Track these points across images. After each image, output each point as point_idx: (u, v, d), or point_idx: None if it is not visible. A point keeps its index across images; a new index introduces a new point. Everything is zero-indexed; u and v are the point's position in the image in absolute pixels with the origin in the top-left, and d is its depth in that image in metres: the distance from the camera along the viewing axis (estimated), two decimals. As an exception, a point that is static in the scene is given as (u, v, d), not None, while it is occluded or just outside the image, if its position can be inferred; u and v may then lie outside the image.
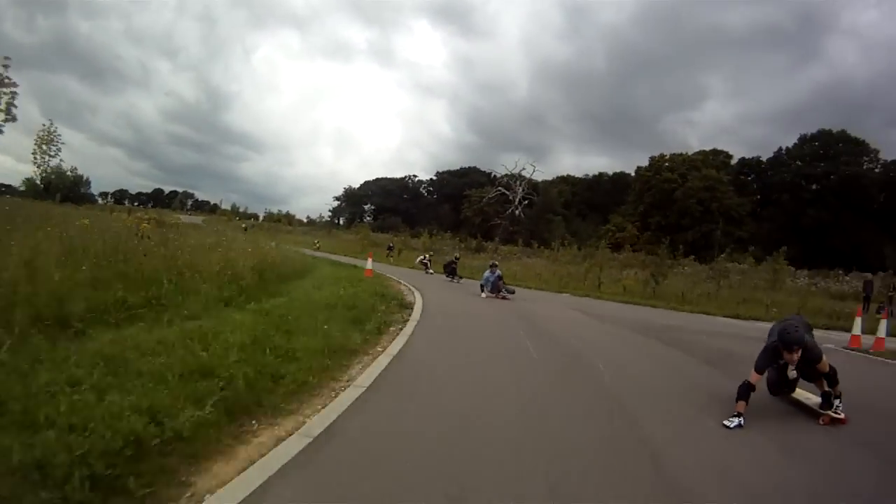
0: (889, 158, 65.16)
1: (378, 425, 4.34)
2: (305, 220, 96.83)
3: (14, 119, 10.22)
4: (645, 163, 76.61)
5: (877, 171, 65.05)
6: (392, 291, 15.12)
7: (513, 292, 18.27)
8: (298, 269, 16.78)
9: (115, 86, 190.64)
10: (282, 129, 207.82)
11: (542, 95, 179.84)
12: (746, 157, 74.29)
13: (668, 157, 70.38)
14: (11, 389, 3.48)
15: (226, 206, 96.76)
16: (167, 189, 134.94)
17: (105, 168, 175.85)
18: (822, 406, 6.00)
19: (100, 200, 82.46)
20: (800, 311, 15.56)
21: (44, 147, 19.36)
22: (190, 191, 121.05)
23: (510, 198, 66.28)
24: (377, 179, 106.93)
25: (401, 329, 9.28)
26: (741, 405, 5.63)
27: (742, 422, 5.45)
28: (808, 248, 54.50)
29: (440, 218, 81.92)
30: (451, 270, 24.37)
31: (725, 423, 5.44)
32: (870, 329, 13.39)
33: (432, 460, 3.68)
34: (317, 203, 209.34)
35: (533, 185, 69.11)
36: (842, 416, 5.79)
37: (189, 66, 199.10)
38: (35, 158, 19.38)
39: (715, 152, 74.43)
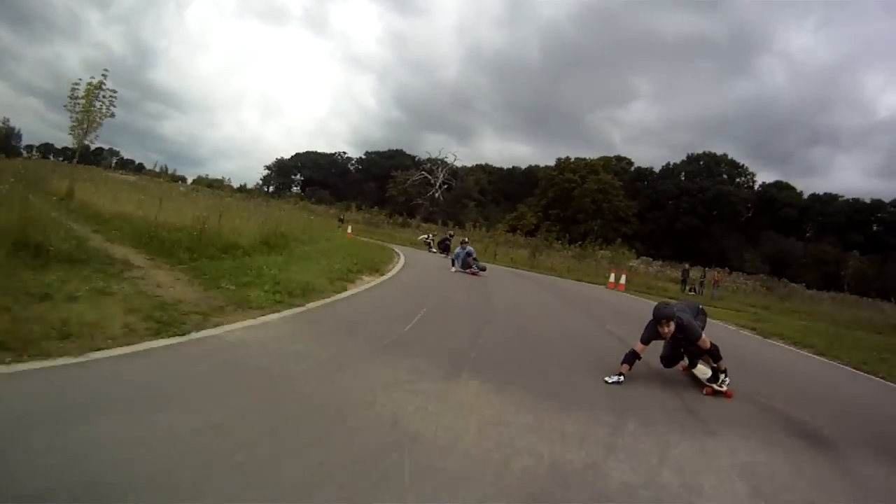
0: (768, 180, 78.28)
1: (391, 286, 11.76)
2: (237, 187, 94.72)
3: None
4: (566, 155, 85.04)
5: (756, 189, 77.80)
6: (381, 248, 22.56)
7: (483, 269, 18.87)
8: (307, 234, 19.76)
9: (42, 34, 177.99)
10: (207, 89, 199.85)
11: (471, 80, 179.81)
12: (643, 166, 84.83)
13: (573, 160, 79.52)
14: (250, 269, 9.43)
15: (150, 166, 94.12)
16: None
17: (23, 118, 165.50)
18: (709, 379, 6.70)
19: (25, 154, 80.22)
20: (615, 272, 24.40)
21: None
22: (115, 148, 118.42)
23: (432, 181, 73.61)
24: (308, 153, 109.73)
25: (395, 265, 16.54)
26: (624, 367, 6.41)
27: (621, 380, 6.25)
28: (681, 248, 65.53)
29: (366, 194, 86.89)
30: (444, 247, 26.45)
31: (606, 379, 6.24)
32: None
33: (413, 295, 11.26)
34: (238, 168, 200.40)
35: (453, 172, 75.90)
36: (724, 389, 6.50)
37: (120, 18, 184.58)
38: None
39: (618, 158, 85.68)
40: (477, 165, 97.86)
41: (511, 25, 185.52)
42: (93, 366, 4.11)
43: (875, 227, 72.36)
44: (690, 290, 31.87)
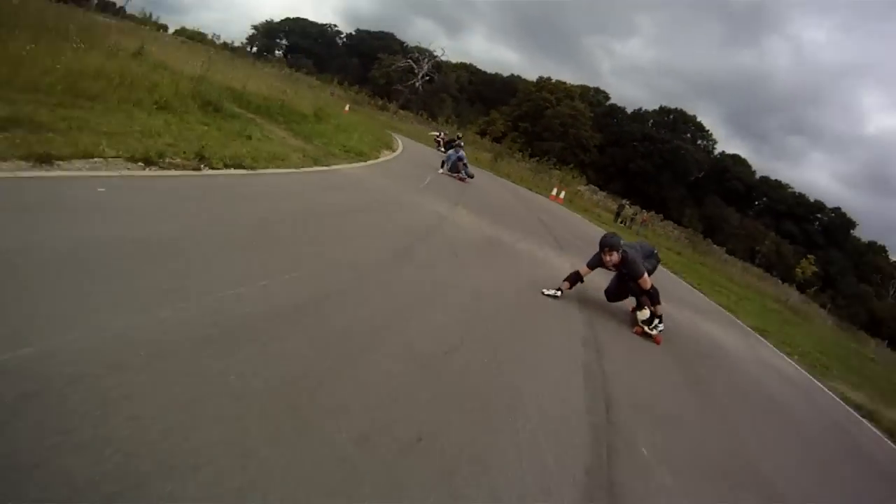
0: (736, 151, 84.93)
1: (404, 159, 17.58)
2: (220, 44, 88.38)
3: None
4: (552, 70, 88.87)
5: (715, 155, 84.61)
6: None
7: (471, 176, 19.16)
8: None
9: None
10: None
11: None
12: (618, 104, 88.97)
13: (554, 80, 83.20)
14: (321, 133, 16.04)
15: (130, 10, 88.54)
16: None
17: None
18: (644, 321, 6.92)
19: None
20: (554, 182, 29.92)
21: None
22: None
23: (415, 70, 76.53)
24: (297, 19, 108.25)
25: (399, 147, 21.59)
26: (564, 284, 7.01)
27: (558, 294, 6.92)
28: (629, 187, 72.19)
29: (348, 69, 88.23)
30: (450, 148, 25.93)
31: (544, 291, 6.88)
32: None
33: (421, 167, 17.39)
34: (219, 21, 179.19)
35: (437, 65, 78.95)
36: (655, 333, 6.86)
37: None
38: None
39: (597, 90, 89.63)
40: (461, 63, 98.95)
41: None
42: (305, 175, 9.10)
43: (814, 225, 79.75)
44: (621, 222, 37.61)
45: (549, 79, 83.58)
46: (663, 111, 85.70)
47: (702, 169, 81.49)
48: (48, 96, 7.23)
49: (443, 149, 27.73)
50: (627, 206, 41.94)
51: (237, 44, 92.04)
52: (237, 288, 3.58)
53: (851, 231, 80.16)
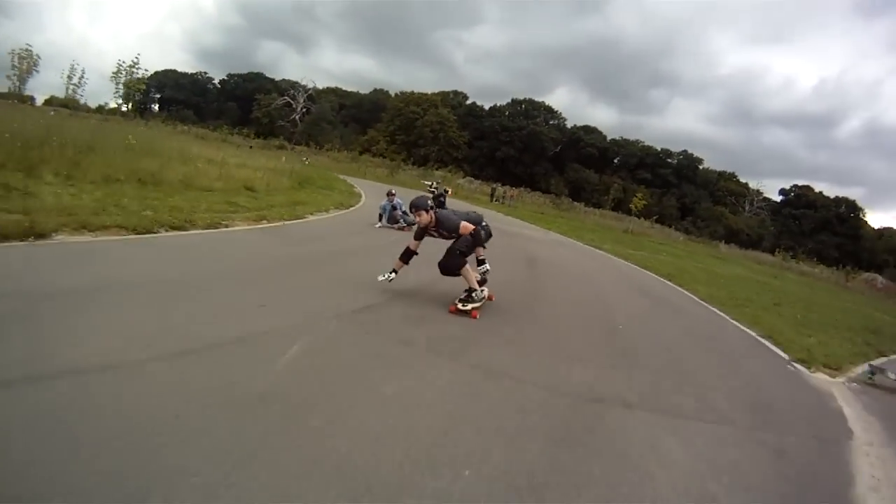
0: (576, 124, 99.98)
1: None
2: (94, 107, 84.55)
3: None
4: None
5: (569, 129, 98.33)
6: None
7: (413, 224, 19.11)
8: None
9: None
10: None
11: None
12: (478, 102, 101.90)
13: (416, 93, 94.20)
14: (306, 200, 25.30)
15: None
16: None
17: None
18: (461, 297, 7.00)
19: None
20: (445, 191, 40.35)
21: None
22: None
23: (294, 105, 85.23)
24: (167, 71, 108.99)
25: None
26: (398, 263, 7.20)
27: (392, 277, 7.13)
28: (501, 171, 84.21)
29: (227, 114, 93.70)
30: (438, 203, 20.81)
31: (379, 277, 7.09)
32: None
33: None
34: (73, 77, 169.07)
35: (311, 97, 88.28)
36: (469, 308, 6.85)
37: None
38: None
39: (455, 93, 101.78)
40: (328, 88, 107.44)
41: None
42: (329, 218, 17.88)
43: (668, 169, 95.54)
44: (496, 201, 48.61)
45: (412, 92, 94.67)
46: (515, 102, 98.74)
47: (558, 144, 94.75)
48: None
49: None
50: (498, 188, 53.66)
51: (112, 104, 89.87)
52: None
53: (700, 166, 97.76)
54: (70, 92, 65.67)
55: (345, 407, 3.86)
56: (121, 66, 56.85)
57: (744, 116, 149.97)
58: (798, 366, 8.45)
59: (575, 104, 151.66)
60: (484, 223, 7.46)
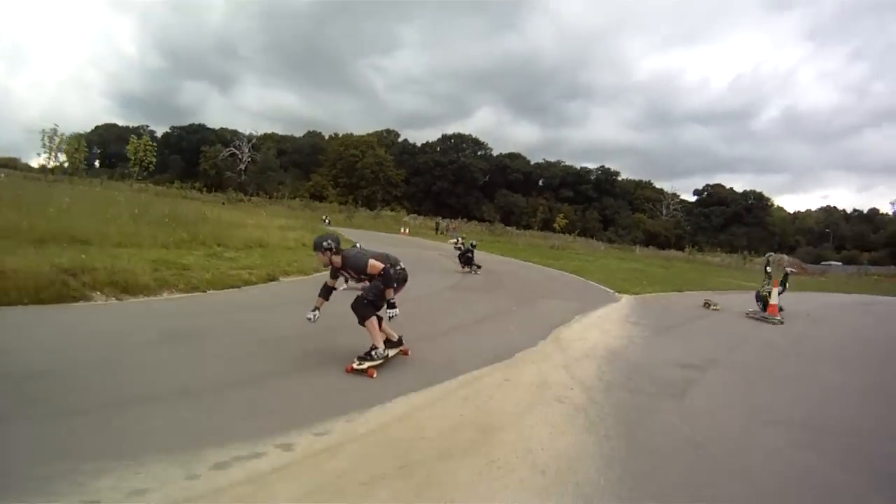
0: (500, 152, 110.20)
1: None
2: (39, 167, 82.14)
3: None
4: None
5: (495, 157, 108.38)
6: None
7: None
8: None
9: None
10: None
11: (236, 22, 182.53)
12: (409, 140, 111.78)
13: (354, 136, 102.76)
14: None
15: None
16: None
17: None
18: (360, 355, 6.49)
19: None
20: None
21: None
22: None
23: (239, 156, 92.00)
24: (108, 125, 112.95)
25: None
26: (319, 300, 6.86)
27: (315, 316, 6.75)
28: (437, 204, 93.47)
29: (172, 167, 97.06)
30: (467, 260, 21.45)
31: (307, 315, 6.70)
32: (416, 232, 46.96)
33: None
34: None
35: (255, 146, 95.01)
36: (364, 367, 6.29)
37: None
38: None
39: (387, 131, 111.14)
40: (265, 134, 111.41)
41: None
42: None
43: (588, 185, 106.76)
44: (441, 233, 56.60)
45: (350, 135, 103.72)
46: (445, 139, 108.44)
47: (486, 173, 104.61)
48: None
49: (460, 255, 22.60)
50: (441, 221, 62.32)
51: (51, 163, 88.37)
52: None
53: (617, 178, 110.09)
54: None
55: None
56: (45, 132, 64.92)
57: (663, 118, 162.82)
58: (613, 292, 17.71)
59: (498, 124, 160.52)
60: (399, 266, 7.04)
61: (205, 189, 74.10)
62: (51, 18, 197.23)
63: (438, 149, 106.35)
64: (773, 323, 14.27)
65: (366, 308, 6.47)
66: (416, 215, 76.33)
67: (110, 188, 48.63)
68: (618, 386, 6.83)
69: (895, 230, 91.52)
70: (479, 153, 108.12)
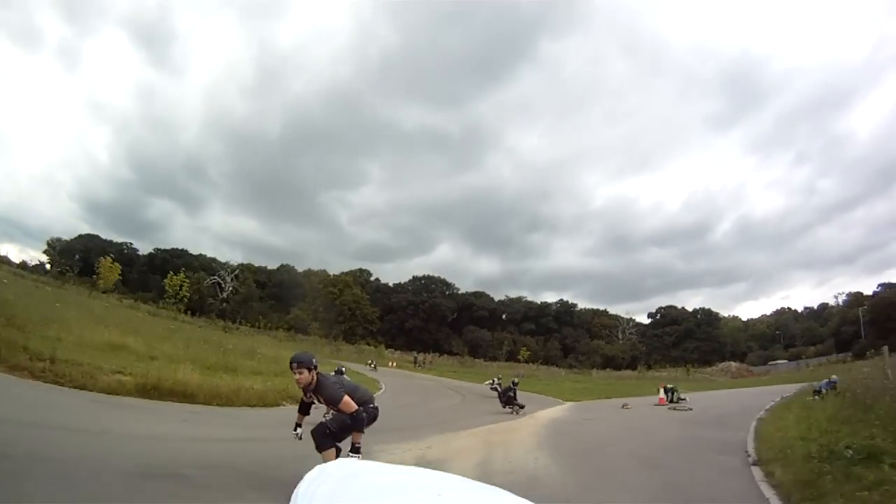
0: (465, 290, 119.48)
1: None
2: (18, 263, 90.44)
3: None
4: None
5: (462, 294, 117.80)
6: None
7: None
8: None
9: None
10: None
11: (208, 145, 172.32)
12: (382, 280, 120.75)
13: (333, 275, 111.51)
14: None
15: None
16: None
17: None
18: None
19: None
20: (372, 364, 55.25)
21: None
22: None
23: (223, 285, 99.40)
24: (91, 236, 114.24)
25: None
26: (299, 417, 7.18)
27: (300, 432, 7.04)
28: (410, 339, 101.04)
29: (153, 286, 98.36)
30: (507, 399, 20.91)
31: (292, 432, 7.05)
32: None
33: None
34: None
35: (237, 276, 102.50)
36: None
37: None
38: None
39: (361, 270, 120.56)
40: (242, 265, 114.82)
41: (258, 95, 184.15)
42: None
43: (544, 319, 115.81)
44: (419, 365, 63.69)
45: (327, 273, 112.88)
46: (416, 280, 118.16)
47: (454, 310, 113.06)
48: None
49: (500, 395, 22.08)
50: (418, 355, 70.20)
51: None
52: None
53: (575, 309, 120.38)
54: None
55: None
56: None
57: (621, 243, 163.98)
58: (563, 401, 25.76)
59: (459, 259, 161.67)
60: (372, 404, 7.12)
61: (188, 312, 78.19)
62: (31, 113, 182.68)
63: (410, 289, 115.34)
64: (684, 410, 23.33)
65: (325, 438, 6.51)
66: (392, 349, 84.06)
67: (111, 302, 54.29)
68: (556, 425, 15.11)
69: (839, 320, 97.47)
70: (447, 292, 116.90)
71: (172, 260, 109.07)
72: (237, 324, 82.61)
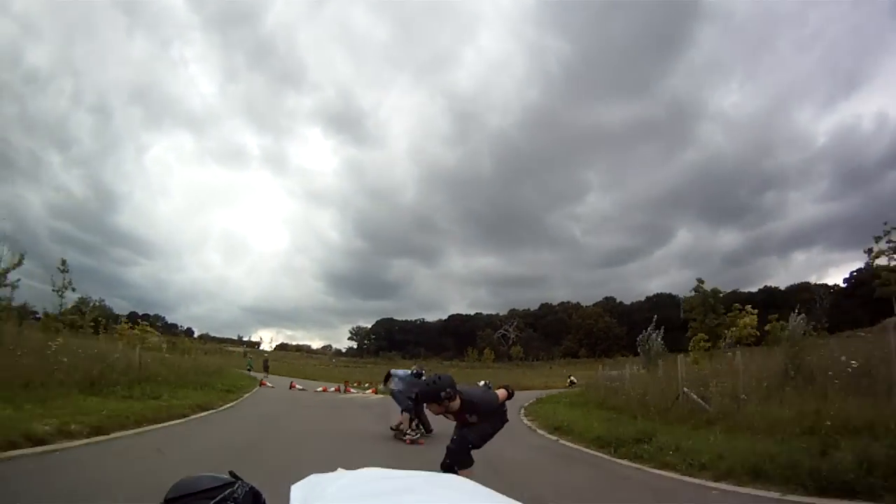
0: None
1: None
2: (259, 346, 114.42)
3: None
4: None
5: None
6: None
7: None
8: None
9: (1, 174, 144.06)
10: (171, 233, 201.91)
11: (429, 198, 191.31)
12: (625, 302, 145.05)
13: (584, 308, 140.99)
14: None
15: (118, 311, 78.64)
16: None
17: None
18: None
19: None
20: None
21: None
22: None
23: (508, 336, 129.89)
24: (385, 319, 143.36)
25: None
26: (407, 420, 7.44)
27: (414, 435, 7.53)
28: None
29: (448, 347, 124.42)
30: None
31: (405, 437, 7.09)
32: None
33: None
34: (206, 311, 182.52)
35: (517, 325, 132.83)
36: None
37: (80, 161, 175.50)
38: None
39: (606, 298, 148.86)
40: (511, 311, 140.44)
41: (461, 140, 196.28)
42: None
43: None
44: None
45: (579, 305, 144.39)
46: (650, 298, 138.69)
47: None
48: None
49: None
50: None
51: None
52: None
53: None
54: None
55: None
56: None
57: (856, 176, 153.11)
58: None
59: (698, 240, 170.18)
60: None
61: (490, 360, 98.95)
62: (261, 216, 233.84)
63: (646, 307, 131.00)
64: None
65: (466, 455, 5.86)
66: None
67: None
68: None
69: None
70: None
71: (466, 324, 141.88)
72: (530, 361, 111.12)
